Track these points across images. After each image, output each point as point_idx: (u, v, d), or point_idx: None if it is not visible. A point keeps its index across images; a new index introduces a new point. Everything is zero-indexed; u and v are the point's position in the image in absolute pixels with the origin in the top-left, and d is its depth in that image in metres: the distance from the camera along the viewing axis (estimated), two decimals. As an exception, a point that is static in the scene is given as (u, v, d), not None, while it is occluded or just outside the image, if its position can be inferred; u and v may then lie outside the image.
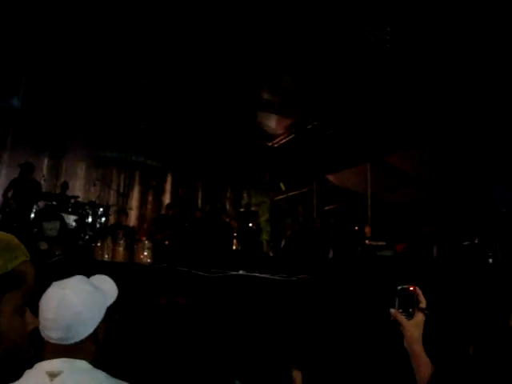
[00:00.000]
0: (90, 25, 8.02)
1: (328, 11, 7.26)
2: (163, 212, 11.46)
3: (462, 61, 7.79)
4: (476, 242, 7.34)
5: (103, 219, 9.09)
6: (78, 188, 11.56)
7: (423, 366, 1.58)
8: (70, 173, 11.94)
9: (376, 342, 3.85)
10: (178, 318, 4.06)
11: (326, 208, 13.38)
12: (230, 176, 14.07)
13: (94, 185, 11.37)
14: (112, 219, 10.39)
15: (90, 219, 8.74)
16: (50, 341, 1.51)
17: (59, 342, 1.50)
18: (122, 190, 12.26)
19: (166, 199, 13.35)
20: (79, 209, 8.84)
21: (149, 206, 13.22)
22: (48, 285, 1.58)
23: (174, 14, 7.65)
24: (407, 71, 8.50)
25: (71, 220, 8.60)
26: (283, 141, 13.14)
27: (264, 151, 13.49)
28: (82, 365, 1.52)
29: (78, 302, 1.53)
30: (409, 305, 1.66)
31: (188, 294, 4.52)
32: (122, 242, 6.32)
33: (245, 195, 14.75)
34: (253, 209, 12.50)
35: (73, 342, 1.52)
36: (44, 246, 7.09)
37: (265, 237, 13.46)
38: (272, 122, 12.29)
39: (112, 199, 11.90)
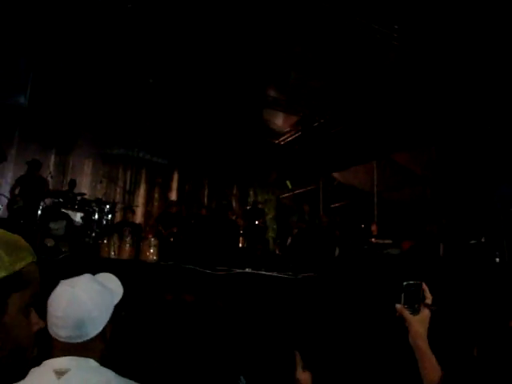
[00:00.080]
0: (97, 22, 8.04)
1: (335, 8, 7.24)
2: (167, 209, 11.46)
3: (469, 59, 7.75)
4: (483, 240, 7.30)
5: (110, 216, 9.08)
6: (84, 185, 11.58)
7: (428, 362, 1.58)
8: (77, 170, 11.97)
9: (382, 340, 3.84)
10: (184, 316, 4.07)
11: (333, 206, 13.35)
12: (237, 173, 14.06)
13: (101, 182, 11.39)
14: (118, 216, 10.41)
15: (96, 216, 8.73)
16: (59, 339, 1.51)
17: (68, 340, 1.51)
18: (128, 188, 12.27)
19: (173, 196, 13.36)
20: (86, 206, 8.84)
21: (155, 204, 13.23)
22: (54, 282, 1.59)
23: (181, 12, 7.65)
24: (414, 69, 8.46)
25: (78, 217, 8.61)
26: (289, 138, 13.14)
27: (270, 149, 13.48)
28: (90, 363, 1.52)
29: (88, 300, 1.54)
30: (414, 300, 1.66)
31: (194, 291, 4.53)
32: (128, 239, 6.33)
33: (251, 193, 14.73)
34: (259, 206, 12.47)
35: (82, 340, 1.52)
36: (51, 242, 7.12)
37: (271, 234, 13.46)
38: (278, 120, 12.29)
39: (118, 196, 11.91)
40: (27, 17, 7.99)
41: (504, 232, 6.88)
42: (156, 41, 8.54)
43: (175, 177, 13.73)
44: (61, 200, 8.63)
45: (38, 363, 1.45)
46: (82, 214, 8.66)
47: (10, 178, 10.27)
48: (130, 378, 1.59)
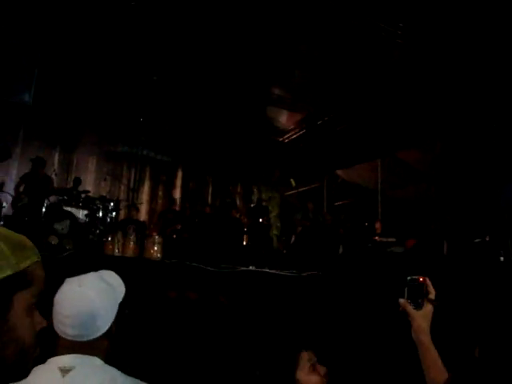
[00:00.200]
0: (101, 20, 8.04)
1: (341, 7, 7.22)
2: (172, 206, 11.47)
3: (474, 57, 7.73)
4: (487, 239, 7.27)
5: (114, 214, 9.10)
6: (88, 183, 11.61)
7: (430, 357, 1.58)
8: (81, 167, 12.02)
9: (385, 338, 3.84)
10: (187, 313, 4.08)
11: (337, 204, 13.34)
12: (241, 171, 14.07)
13: (105, 179, 11.41)
14: (122, 214, 10.43)
15: (100, 214, 8.75)
16: (66, 337, 1.52)
17: (75, 338, 1.51)
18: (132, 185, 12.28)
19: (177, 194, 13.38)
20: (90, 203, 8.86)
21: (159, 201, 13.25)
22: (59, 280, 1.59)
23: (186, 9, 7.65)
24: (419, 67, 8.44)
25: (82, 215, 8.63)
26: (294, 136, 13.14)
27: (274, 146, 13.49)
28: (95, 361, 1.53)
29: (96, 299, 1.54)
30: (418, 295, 1.66)
31: (198, 289, 4.54)
32: (132, 236, 6.32)
33: (255, 190, 14.74)
34: (263, 204, 12.48)
35: (88, 339, 1.53)
36: (55, 240, 7.13)
37: (275, 232, 13.46)
38: (283, 118, 12.29)
39: (122, 194, 11.95)
40: (31, 14, 8.00)
41: (509, 231, 6.85)
42: (160, 38, 8.54)
43: (179, 174, 13.75)
44: (65, 198, 8.65)
45: (41, 361, 1.45)
46: (86, 212, 8.68)
47: (14, 175, 10.31)
48: (135, 376, 1.59)
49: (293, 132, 12.97)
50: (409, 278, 1.69)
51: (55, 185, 9.34)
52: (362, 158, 11.88)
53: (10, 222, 7.60)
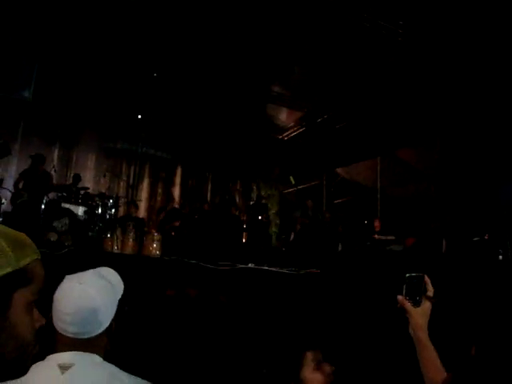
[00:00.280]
0: (101, 16, 8.03)
1: (341, 4, 7.22)
2: (171, 203, 11.48)
3: (475, 56, 7.72)
4: (486, 237, 7.28)
5: (113, 211, 9.08)
6: (88, 179, 11.61)
7: (428, 354, 1.58)
8: (81, 164, 12.02)
9: (384, 337, 3.85)
10: (186, 311, 4.08)
11: (336, 202, 13.35)
12: (240, 168, 14.07)
13: (104, 176, 11.39)
14: (122, 211, 10.42)
15: (99, 211, 8.74)
16: (67, 334, 1.52)
17: (75, 336, 1.51)
18: (131, 182, 12.29)
19: (176, 191, 13.38)
20: (89, 200, 8.85)
21: (158, 198, 13.25)
22: (58, 277, 1.59)
23: (186, 7, 7.64)
24: (418, 65, 8.44)
25: (81, 211, 8.62)
26: (293, 134, 13.14)
27: (274, 144, 13.49)
28: (94, 358, 1.53)
29: (97, 297, 1.54)
30: (416, 292, 1.67)
31: (197, 286, 4.54)
32: (131, 233, 6.32)
33: (254, 188, 14.74)
34: (263, 202, 12.49)
35: (89, 336, 1.53)
36: (54, 237, 7.12)
37: (274, 230, 13.47)
38: (282, 115, 12.29)
39: (122, 191, 11.94)
40: (32, 11, 7.99)
41: (507, 229, 6.86)
42: (160, 35, 8.53)
43: (179, 171, 13.75)
44: (64, 194, 8.64)
45: (40, 358, 1.45)
46: (85, 209, 8.67)
47: (13, 171, 10.31)
48: (135, 374, 1.59)
49: (292, 130, 12.97)
50: (407, 275, 1.70)
51: (54, 181, 9.34)
52: (362, 156, 11.89)
53: (9, 219, 7.60)
